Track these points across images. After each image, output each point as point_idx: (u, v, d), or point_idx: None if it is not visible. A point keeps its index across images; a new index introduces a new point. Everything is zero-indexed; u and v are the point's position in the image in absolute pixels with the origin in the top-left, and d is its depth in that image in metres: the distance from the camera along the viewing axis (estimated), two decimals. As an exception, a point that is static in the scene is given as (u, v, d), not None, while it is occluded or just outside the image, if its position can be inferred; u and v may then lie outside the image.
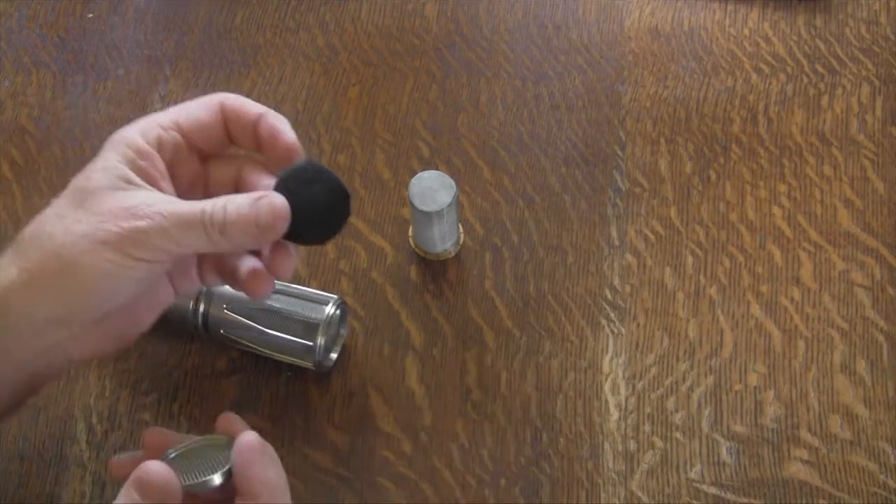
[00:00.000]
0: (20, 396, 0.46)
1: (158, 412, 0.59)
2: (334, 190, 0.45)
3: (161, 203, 0.43)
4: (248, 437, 0.45)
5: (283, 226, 0.44)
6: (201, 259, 0.48)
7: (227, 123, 0.46)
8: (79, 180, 0.44)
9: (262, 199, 0.44)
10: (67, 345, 0.44)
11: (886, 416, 0.57)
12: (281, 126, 0.46)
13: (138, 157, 0.44)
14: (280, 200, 0.44)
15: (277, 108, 0.67)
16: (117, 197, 0.43)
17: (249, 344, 0.57)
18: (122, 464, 0.47)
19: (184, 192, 0.46)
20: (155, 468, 0.43)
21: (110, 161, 0.44)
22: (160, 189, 0.44)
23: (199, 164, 0.48)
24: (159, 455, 0.46)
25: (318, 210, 0.45)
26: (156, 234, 0.42)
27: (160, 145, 0.45)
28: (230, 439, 0.46)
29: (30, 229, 0.43)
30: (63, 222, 0.42)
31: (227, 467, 0.45)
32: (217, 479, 0.44)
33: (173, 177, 0.46)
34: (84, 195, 0.43)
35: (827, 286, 0.61)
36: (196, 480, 0.44)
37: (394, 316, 0.61)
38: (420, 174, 0.57)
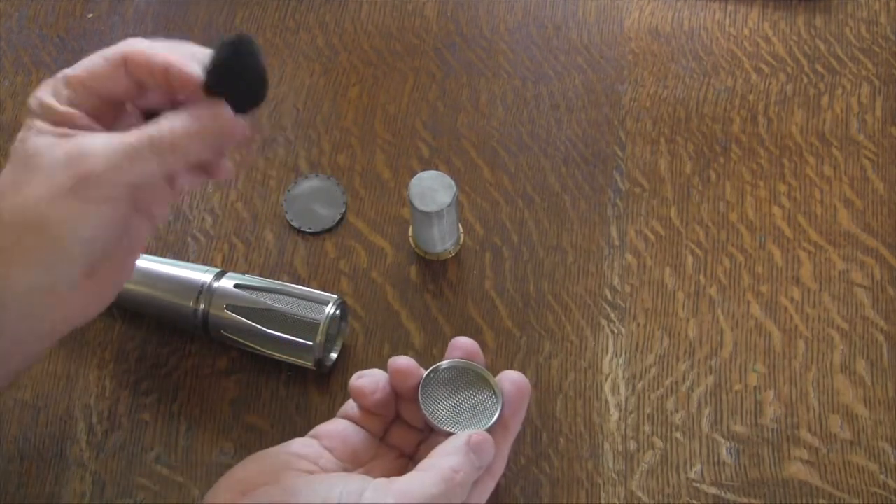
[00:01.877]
0: (12, 373, 0.46)
1: (158, 412, 0.59)
2: (240, 46, 0.45)
3: (105, 140, 0.43)
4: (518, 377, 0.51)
5: (224, 115, 0.44)
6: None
7: (136, 76, 0.45)
8: (15, 150, 0.44)
9: (203, 109, 0.44)
10: (57, 311, 0.44)
11: (886, 416, 0.57)
12: (187, 70, 0.44)
13: (62, 118, 0.44)
14: (217, 105, 0.44)
15: (277, 108, 0.68)
16: (59, 146, 0.42)
17: (249, 344, 0.57)
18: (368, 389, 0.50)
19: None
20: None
21: (37, 125, 0.44)
22: (93, 129, 0.44)
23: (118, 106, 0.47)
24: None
25: (240, 81, 0.45)
26: (109, 170, 0.42)
27: (72, 103, 0.44)
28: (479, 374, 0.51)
29: None
30: (15, 190, 0.42)
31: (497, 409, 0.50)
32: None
33: (105, 121, 0.46)
34: (26, 158, 0.43)
35: (827, 286, 0.61)
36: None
37: (394, 316, 0.61)
38: (420, 174, 0.57)
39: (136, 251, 0.48)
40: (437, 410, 0.50)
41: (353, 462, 0.50)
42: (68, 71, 0.45)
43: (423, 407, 0.50)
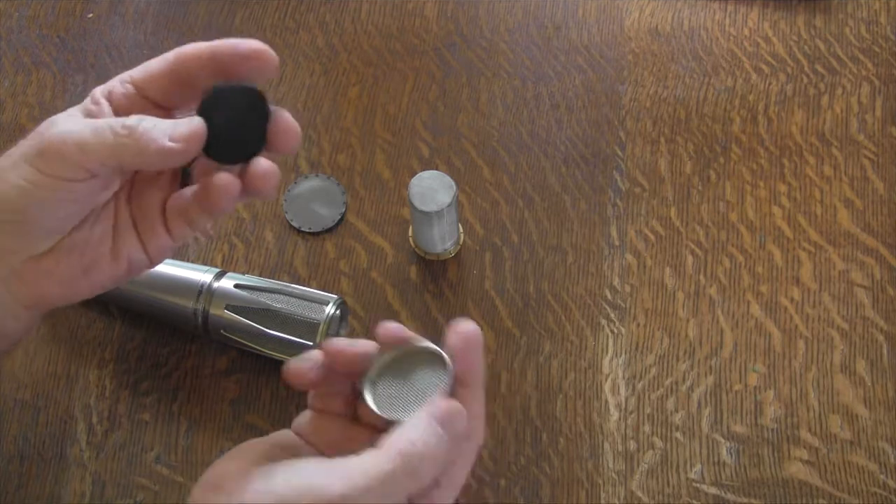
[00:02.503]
0: None
1: (158, 412, 0.59)
2: (251, 104, 0.45)
3: (79, 119, 0.44)
4: (469, 325, 0.45)
5: (196, 141, 0.44)
6: (166, 208, 0.48)
7: (183, 70, 0.46)
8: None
9: (181, 120, 0.45)
10: (11, 284, 0.45)
11: (886, 416, 0.57)
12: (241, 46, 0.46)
13: (90, 103, 0.46)
14: (197, 119, 0.45)
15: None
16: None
17: (249, 344, 0.57)
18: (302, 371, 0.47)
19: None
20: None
21: (71, 110, 0.46)
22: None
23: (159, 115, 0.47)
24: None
25: (234, 128, 0.45)
26: (65, 144, 0.43)
27: (110, 94, 0.46)
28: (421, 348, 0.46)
29: None
30: (8, 153, 0.45)
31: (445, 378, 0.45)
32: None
33: None
34: (36, 132, 0.45)
35: (827, 286, 0.61)
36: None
37: (394, 316, 0.61)
38: (420, 174, 0.57)
39: (120, 263, 0.48)
40: (386, 403, 0.46)
41: (330, 448, 0.47)
42: (130, 71, 0.47)
43: (371, 405, 0.46)
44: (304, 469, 0.42)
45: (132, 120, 0.44)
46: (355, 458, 0.42)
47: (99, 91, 0.47)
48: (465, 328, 0.45)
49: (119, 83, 0.47)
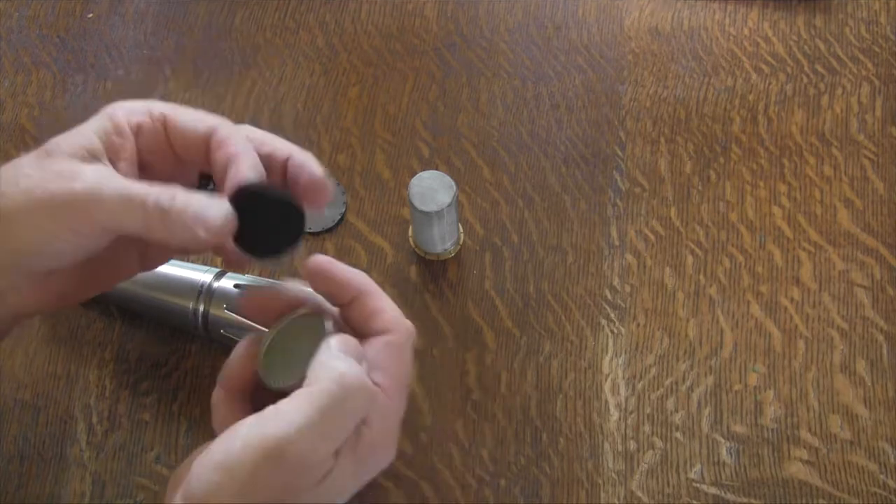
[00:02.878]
0: None
1: (158, 412, 0.59)
2: (288, 209, 0.45)
3: (107, 175, 0.42)
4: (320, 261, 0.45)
5: (227, 235, 0.44)
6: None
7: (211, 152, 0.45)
8: (53, 139, 0.44)
9: (214, 204, 0.43)
10: (9, 295, 0.44)
11: (886, 416, 0.57)
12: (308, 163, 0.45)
13: (113, 132, 0.44)
14: (228, 209, 0.43)
15: (277, 108, 0.68)
16: (72, 163, 0.42)
17: (249, 344, 0.57)
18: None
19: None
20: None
21: (87, 129, 0.44)
22: (117, 168, 0.44)
23: (178, 164, 0.47)
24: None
25: (267, 227, 0.45)
26: (90, 202, 0.41)
27: (139, 130, 0.44)
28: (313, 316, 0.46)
29: None
30: (16, 173, 0.42)
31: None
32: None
33: (146, 166, 0.45)
34: (47, 153, 0.43)
35: (827, 286, 0.61)
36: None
37: (394, 316, 0.61)
38: (420, 174, 0.57)
39: (115, 278, 0.48)
40: (284, 375, 0.45)
41: None
42: (166, 108, 0.45)
43: (267, 382, 0.45)
44: (238, 430, 0.41)
45: (165, 198, 0.42)
46: (286, 399, 0.41)
47: (124, 117, 0.44)
48: (312, 263, 0.46)
49: (151, 120, 0.45)
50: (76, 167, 0.42)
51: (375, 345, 0.45)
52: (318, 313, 0.46)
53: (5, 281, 0.43)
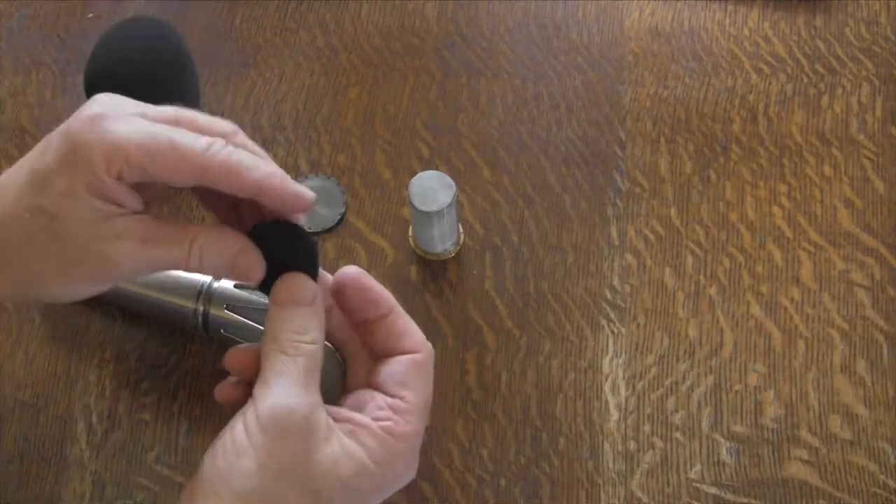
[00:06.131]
0: None
1: (158, 412, 0.59)
2: (307, 248, 0.44)
3: (137, 250, 0.42)
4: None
5: (255, 281, 0.44)
6: None
7: (212, 185, 0.42)
8: (42, 199, 0.41)
9: (240, 258, 0.43)
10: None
11: (886, 416, 0.57)
12: (281, 186, 0.43)
13: (101, 188, 0.41)
14: (257, 261, 0.43)
15: (277, 108, 0.68)
16: (91, 235, 0.41)
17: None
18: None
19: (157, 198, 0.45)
20: None
21: (74, 185, 0.41)
22: (126, 206, 0.42)
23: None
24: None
25: (290, 266, 0.44)
26: (130, 274, 0.42)
27: (120, 177, 0.41)
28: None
29: None
30: (33, 251, 0.41)
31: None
32: None
33: (142, 188, 0.44)
34: (53, 224, 0.41)
35: (827, 286, 0.61)
36: None
37: (394, 316, 0.61)
38: (420, 174, 0.57)
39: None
40: None
41: None
42: (132, 139, 0.41)
43: None
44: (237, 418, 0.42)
45: (195, 260, 0.42)
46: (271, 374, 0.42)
47: (105, 170, 0.40)
48: (345, 275, 0.45)
49: (129, 168, 0.41)
50: (100, 233, 0.41)
51: (403, 363, 0.45)
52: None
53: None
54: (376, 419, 0.43)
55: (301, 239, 0.44)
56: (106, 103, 0.42)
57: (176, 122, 0.42)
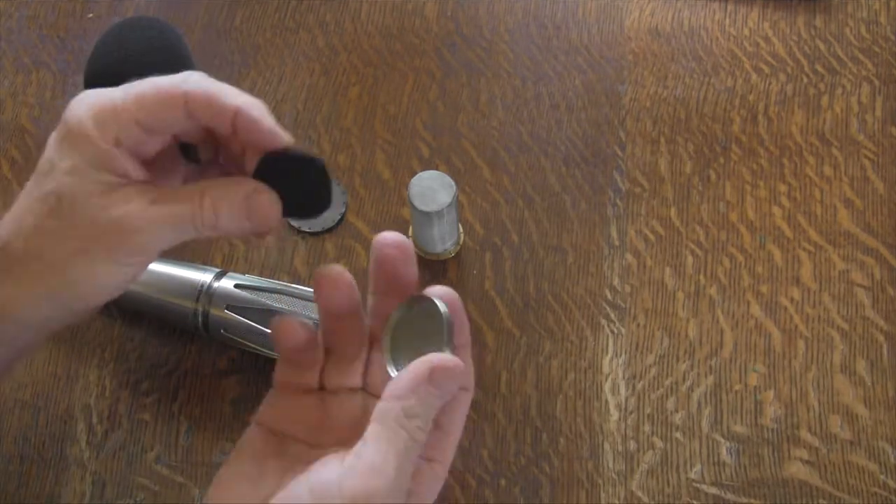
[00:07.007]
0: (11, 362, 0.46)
1: (158, 412, 0.59)
2: (315, 169, 0.44)
3: (147, 209, 0.42)
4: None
5: (275, 219, 0.44)
6: None
7: (195, 117, 0.43)
8: (47, 185, 0.42)
9: (254, 198, 0.43)
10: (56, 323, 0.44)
11: (886, 416, 0.57)
12: (258, 117, 0.43)
13: (102, 157, 0.42)
14: (270, 197, 0.43)
15: (277, 108, 0.68)
16: (100, 206, 0.41)
17: (249, 344, 0.57)
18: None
19: (158, 167, 0.45)
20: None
21: (76, 162, 0.42)
22: (130, 176, 0.42)
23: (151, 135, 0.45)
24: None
25: (304, 191, 0.44)
26: (148, 240, 0.42)
27: (117, 142, 0.42)
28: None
29: (12, 243, 0.42)
30: (49, 238, 0.42)
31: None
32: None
33: (143, 154, 0.44)
34: (61, 204, 0.41)
35: (827, 286, 0.61)
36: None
37: (394, 316, 0.61)
38: (420, 174, 0.57)
39: None
40: (400, 357, 0.46)
41: (307, 433, 0.47)
42: (117, 97, 0.42)
43: (389, 359, 0.46)
44: (330, 474, 0.42)
45: (209, 215, 0.43)
46: (367, 446, 0.42)
47: (101, 139, 0.41)
48: (447, 293, 0.46)
49: (124, 129, 0.42)
50: (112, 211, 0.41)
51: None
52: (430, 297, 0.46)
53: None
54: None
55: (307, 161, 0.43)
56: (90, 92, 0.43)
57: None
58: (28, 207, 0.42)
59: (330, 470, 0.42)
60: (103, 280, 0.43)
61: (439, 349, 0.44)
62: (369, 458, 0.42)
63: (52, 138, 0.43)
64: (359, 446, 0.42)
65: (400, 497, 0.42)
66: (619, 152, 0.65)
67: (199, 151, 0.47)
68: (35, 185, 0.43)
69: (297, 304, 0.56)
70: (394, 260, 0.47)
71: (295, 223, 0.63)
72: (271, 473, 0.45)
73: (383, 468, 0.41)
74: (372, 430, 0.42)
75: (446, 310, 0.45)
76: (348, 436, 0.44)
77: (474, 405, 0.58)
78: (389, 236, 0.47)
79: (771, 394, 0.58)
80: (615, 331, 0.60)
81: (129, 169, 0.42)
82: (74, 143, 0.42)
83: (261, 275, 0.62)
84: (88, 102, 0.42)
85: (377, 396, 0.43)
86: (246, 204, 0.43)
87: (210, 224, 0.43)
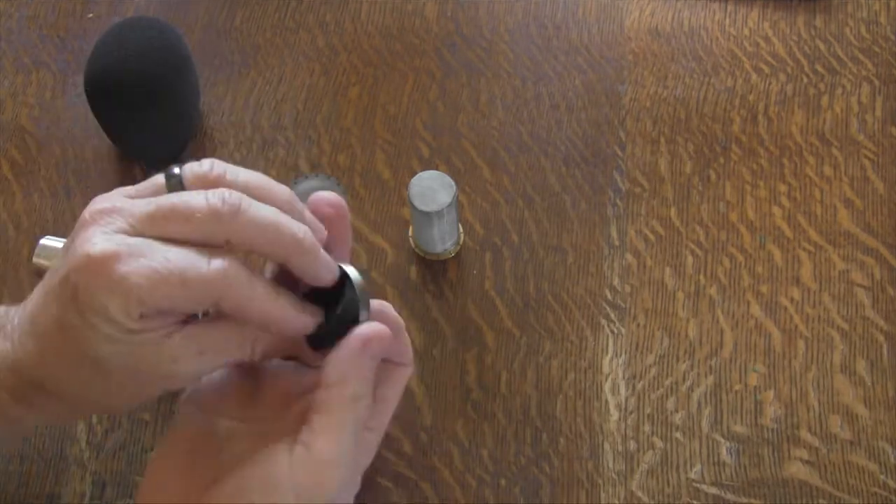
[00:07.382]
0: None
1: (158, 412, 0.59)
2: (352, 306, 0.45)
3: (198, 363, 0.43)
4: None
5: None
6: None
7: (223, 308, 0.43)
8: (79, 345, 0.40)
9: (295, 349, 0.45)
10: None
11: (886, 416, 0.57)
12: (291, 326, 0.44)
13: (132, 329, 0.40)
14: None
15: (277, 108, 0.68)
16: (131, 355, 0.41)
17: (249, 344, 0.57)
18: None
19: None
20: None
21: (109, 332, 0.40)
22: (167, 324, 0.42)
23: None
24: None
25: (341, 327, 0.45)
26: (190, 378, 0.45)
27: (143, 315, 0.40)
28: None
29: (46, 384, 0.42)
30: (94, 391, 0.43)
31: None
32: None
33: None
34: (99, 365, 0.41)
35: (827, 286, 0.61)
36: None
37: (394, 316, 0.61)
38: (420, 174, 0.57)
39: None
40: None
41: (243, 409, 0.46)
42: (132, 276, 0.39)
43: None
44: (280, 472, 0.42)
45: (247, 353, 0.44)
46: (319, 435, 0.42)
47: (121, 316, 0.39)
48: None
49: (135, 301, 0.40)
50: (146, 364, 0.42)
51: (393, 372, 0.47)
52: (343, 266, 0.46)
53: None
54: None
55: (345, 302, 0.45)
56: (101, 238, 0.40)
57: (167, 216, 0.41)
58: (64, 361, 0.41)
59: (278, 463, 0.42)
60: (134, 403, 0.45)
61: (356, 318, 0.44)
62: (320, 450, 0.41)
63: (63, 298, 0.40)
64: (306, 436, 0.42)
65: (354, 484, 0.43)
66: (619, 152, 0.65)
67: None
68: (63, 342, 0.41)
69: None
70: (329, 219, 0.46)
71: None
72: (204, 462, 0.43)
73: (338, 459, 0.41)
74: (318, 420, 0.42)
75: (358, 276, 0.45)
76: (280, 407, 0.44)
77: (474, 405, 0.58)
78: (325, 195, 0.47)
79: (771, 394, 0.58)
80: (615, 331, 0.60)
81: (162, 323, 0.42)
82: (97, 313, 0.40)
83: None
84: (109, 283, 0.39)
85: (308, 365, 0.45)
86: (291, 343, 0.45)
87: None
